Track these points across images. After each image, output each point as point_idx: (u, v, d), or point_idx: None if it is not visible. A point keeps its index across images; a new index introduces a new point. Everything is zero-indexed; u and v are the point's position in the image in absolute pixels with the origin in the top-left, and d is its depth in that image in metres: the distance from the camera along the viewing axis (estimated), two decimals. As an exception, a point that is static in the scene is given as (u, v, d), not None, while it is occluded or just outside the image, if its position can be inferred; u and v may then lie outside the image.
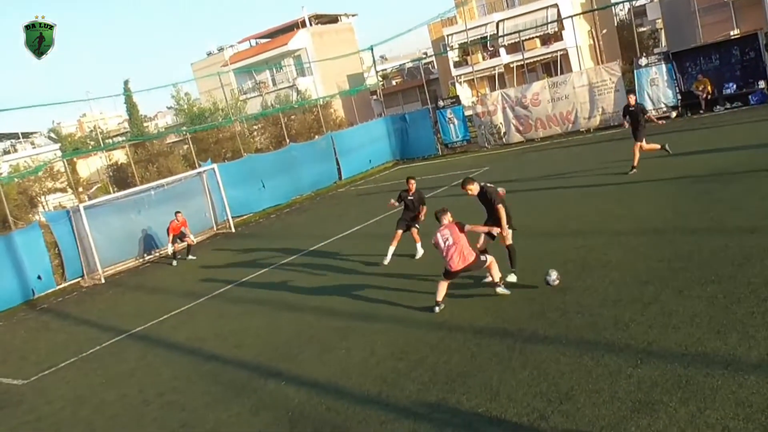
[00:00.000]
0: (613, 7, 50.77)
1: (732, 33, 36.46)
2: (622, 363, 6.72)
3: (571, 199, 15.37)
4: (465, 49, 47.76)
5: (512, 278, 10.01)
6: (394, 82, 60.50)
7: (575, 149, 23.46)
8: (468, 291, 10.29)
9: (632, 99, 17.00)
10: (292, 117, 37.99)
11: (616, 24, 55.84)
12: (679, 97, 25.53)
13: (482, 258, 9.60)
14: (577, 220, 13.19)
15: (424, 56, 57.88)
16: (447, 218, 9.92)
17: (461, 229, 9.58)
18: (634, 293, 8.52)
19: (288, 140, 31.74)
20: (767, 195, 11.47)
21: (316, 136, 32.90)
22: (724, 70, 24.93)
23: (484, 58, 48.69)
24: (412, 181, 13.48)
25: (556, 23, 44.04)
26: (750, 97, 23.91)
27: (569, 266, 10.22)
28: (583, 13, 44.54)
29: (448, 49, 48.01)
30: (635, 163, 16.30)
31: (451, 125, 31.24)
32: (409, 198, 13.41)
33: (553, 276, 9.24)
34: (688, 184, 13.77)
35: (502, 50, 47.83)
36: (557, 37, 46.16)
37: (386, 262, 12.98)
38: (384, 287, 11.56)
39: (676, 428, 5.40)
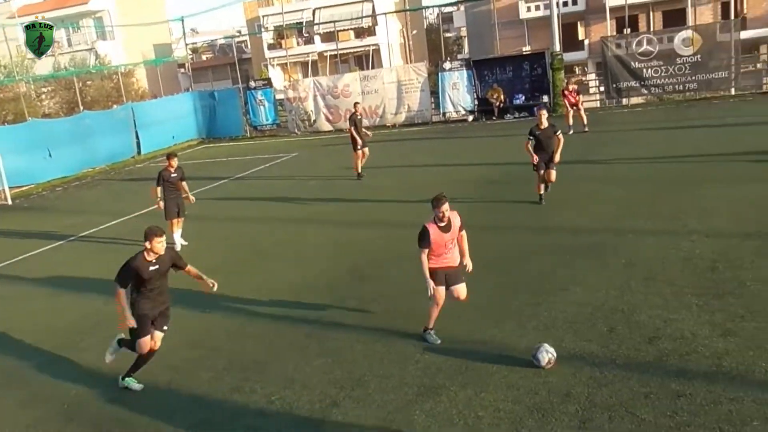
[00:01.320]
0: (423, 10, 53.18)
1: (524, 49, 39.91)
2: (413, 349, 7.12)
3: (378, 191, 15.90)
4: (280, 33, 47.35)
5: None
6: (204, 57, 58.33)
7: (381, 143, 24.23)
8: (270, 278, 10.26)
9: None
10: (89, 82, 35.20)
11: (425, 27, 58.59)
12: (476, 102, 27.45)
13: None
14: (382, 210, 13.69)
15: (237, 34, 56.37)
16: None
17: None
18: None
19: (82, 107, 29.34)
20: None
21: (115, 106, 30.76)
22: (516, 81, 27.22)
23: (298, 44, 48.61)
24: (175, 160, 12.65)
25: (370, 18, 45.16)
26: (535, 108, 26.34)
27: (369, 256, 10.58)
28: (396, 11, 46.10)
29: (262, 29, 47.25)
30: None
31: (261, 107, 30.84)
32: (173, 176, 12.54)
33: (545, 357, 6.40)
34: (483, 183, 14.87)
35: (317, 38, 48.10)
36: (371, 31, 47.40)
37: (178, 247, 12.17)
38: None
39: (455, 410, 5.84)
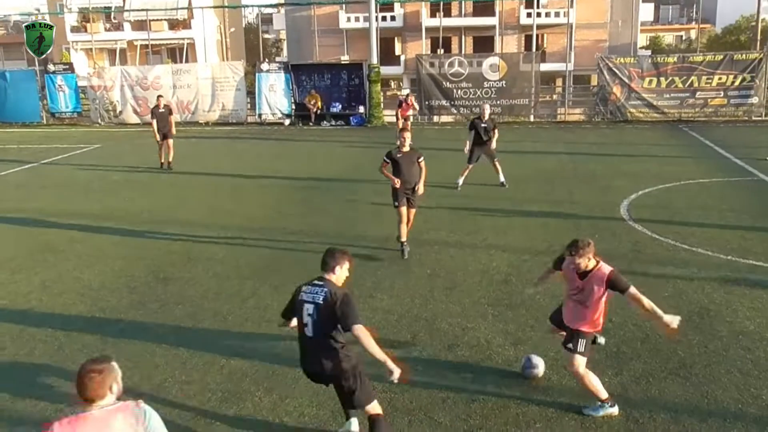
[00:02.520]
0: (242, 9, 52.31)
1: (343, 58, 40.76)
2: (217, 354, 6.94)
3: (184, 189, 15.35)
4: (85, 15, 44.05)
5: None
6: (-5, 33, 52.61)
7: (195, 140, 23.44)
8: (63, 277, 9.50)
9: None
10: None
11: (244, 26, 57.65)
12: (293, 107, 27.54)
13: None
14: (189, 211, 13.23)
15: (36, 12, 51.55)
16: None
17: None
18: (234, 287, 8.87)
19: None
20: (352, 201, 13.09)
21: None
22: (334, 90, 27.74)
23: (106, 29, 45.55)
24: None
25: (186, 10, 43.54)
26: (351, 118, 27.04)
27: (174, 257, 10.18)
28: (214, 6, 44.91)
29: (65, 10, 43.67)
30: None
31: (61, 93, 28.52)
32: None
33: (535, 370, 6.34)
34: (293, 189, 14.92)
35: (127, 25, 45.43)
36: (186, 24, 45.72)
37: None
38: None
39: (260, 416, 5.79)
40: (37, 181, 16.77)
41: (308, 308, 4.96)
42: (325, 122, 27.08)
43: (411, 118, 21.40)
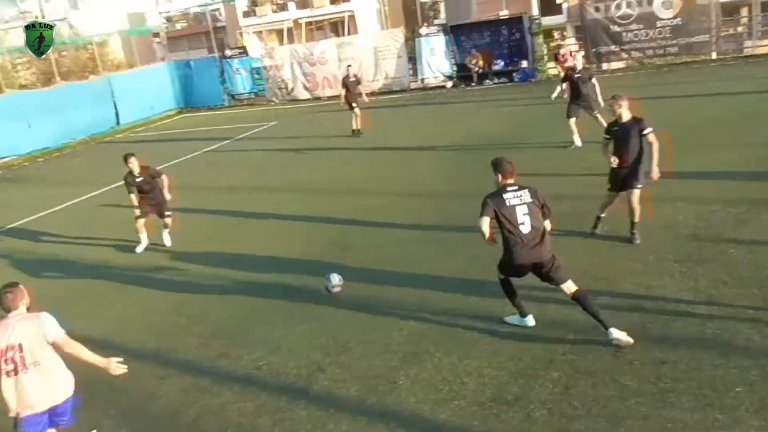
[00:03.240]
0: (400, -25, 52.38)
1: (502, 13, 39.63)
2: (397, 318, 7.23)
3: (358, 159, 15.92)
4: (254, 0, 46.51)
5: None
6: (179, 26, 57.18)
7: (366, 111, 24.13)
8: (252, 247, 10.32)
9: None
10: (64, 53, 34.50)
11: (402, -9, 57.73)
12: (455, 68, 27.36)
13: None
14: (362, 179, 13.74)
15: (211, 2, 55.32)
16: None
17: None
18: (412, 252, 9.12)
19: (59, 78, 28.86)
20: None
21: (91, 76, 30.28)
22: (494, 47, 27.10)
23: (273, 11, 47.84)
24: (133, 160, 10.47)
25: (346, -17, 44.46)
26: (514, 74, 26.36)
27: (349, 225, 10.65)
28: (372, -24, 45.42)
29: (236, -4, 46.39)
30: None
31: (239, 76, 30.52)
32: (138, 180, 10.51)
33: (335, 281, 7.84)
34: (460, 153, 14.94)
35: (292, 5, 47.36)
36: (346, -3, 46.69)
37: (138, 251, 10.82)
38: (164, 243, 11.14)
39: (440, 376, 5.97)
40: (224, 159, 18.22)
41: (521, 209, 6.02)
42: (487, 81, 26.66)
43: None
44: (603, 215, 8.77)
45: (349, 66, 19.85)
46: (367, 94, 18.58)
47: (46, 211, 14.66)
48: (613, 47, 25.59)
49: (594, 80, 13.43)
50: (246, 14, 47.99)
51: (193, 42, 54.03)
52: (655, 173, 8.13)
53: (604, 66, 26.22)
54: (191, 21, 58.29)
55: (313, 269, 8.96)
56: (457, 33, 27.59)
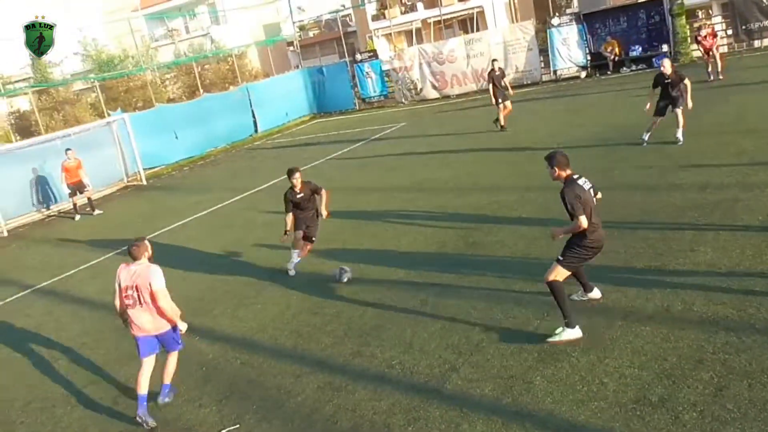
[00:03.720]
0: (529, -34, 51.21)
1: (640, -4, 37.59)
2: (530, 316, 7.01)
3: (485, 157, 15.68)
4: (383, 3, 47.24)
5: None
6: (311, 34, 59.24)
7: (490, 108, 23.78)
8: (383, 246, 10.41)
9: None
10: (206, 67, 36.82)
11: (531, -17, 56.40)
12: (589, 57, 26.29)
13: None
14: (492, 175, 13.51)
15: (342, 8, 56.83)
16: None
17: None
18: (542, 248, 8.81)
19: (202, 90, 30.77)
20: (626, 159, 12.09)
21: (231, 87, 32.02)
22: (631, 32, 25.77)
23: (402, 12, 48.34)
24: (298, 176, 9.74)
25: (473, -21, 44.07)
26: (654, 60, 24.88)
27: (480, 222, 10.48)
28: (500, -30, 44.71)
29: (365, 1, 47.37)
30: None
31: (369, 79, 31.05)
32: (299, 196, 9.81)
33: (345, 275, 9.27)
34: (589, 146, 14.30)
35: (420, 5, 47.59)
36: (474, -7, 46.26)
37: (291, 273, 10.07)
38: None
39: (578, 376, 5.70)
40: (354, 162, 18.58)
41: (592, 193, 6.42)
42: (624, 68, 25.39)
43: (717, 49, 19.34)
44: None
45: (494, 60, 19.74)
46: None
47: (192, 217, 15.61)
48: (766, 22, 23.49)
49: (686, 82, 12.58)
50: (375, 18, 48.83)
51: (325, 48, 55.80)
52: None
53: (756, 43, 24.15)
54: (323, 28, 60.20)
55: (443, 268, 8.90)
56: (592, 20, 26.51)
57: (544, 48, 27.39)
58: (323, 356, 7.15)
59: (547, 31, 26.92)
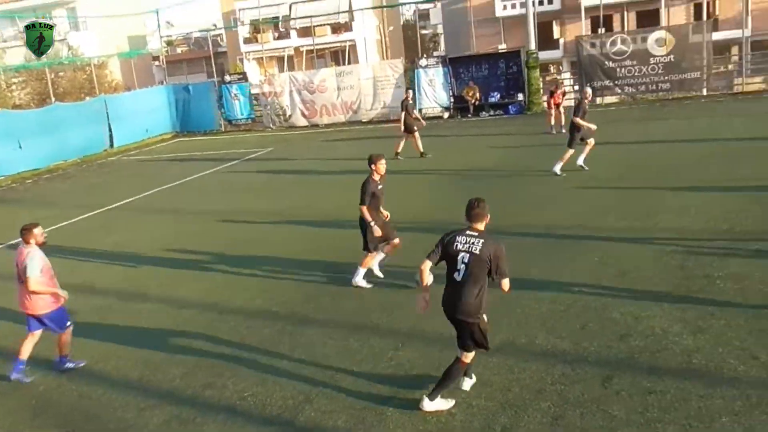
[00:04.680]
0: (400, 7, 53.11)
1: (500, 47, 40.06)
2: (386, 346, 7.10)
3: (350, 187, 15.83)
4: (256, 27, 46.98)
5: None
6: (179, 50, 57.71)
7: (358, 140, 24.17)
8: (241, 273, 10.19)
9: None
10: (61, 74, 34.65)
11: (402, 23, 58.51)
12: (452, 99, 27.52)
13: None
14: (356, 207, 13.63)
15: (213, 27, 55.84)
16: None
17: None
18: (407, 278, 9.00)
19: (54, 98, 28.88)
20: (511, 191, 12.82)
21: (87, 98, 30.32)
22: (491, 79, 27.34)
23: (275, 38, 48.28)
24: (383, 161, 8.86)
25: (347, 13, 44.99)
26: (509, 107, 26.53)
27: (342, 252, 10.51)
28: (373, 7, 46.02)
29: (238, 23, 46.87)
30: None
31: (236, 102, 30.61)
32: (380, 187, 8.88)
33: None
34: (451, 182, 14.91)
35: (293, 33, 47.81)
36: (347, 27, 47.21)
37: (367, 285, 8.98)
38: (155, 265, 11.01)
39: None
40: (217, 185, 18.14)
41: (463, 257, 5.50)
42: (483, 113, 26.80)
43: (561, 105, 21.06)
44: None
45: (408, 89, 20.67)
46: (363, 122, 18.67)
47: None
48: (607, 82, 25.85)
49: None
50: (247, 41, 48.44)
51: (193, 66, 54.44)
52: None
53: (599, 100, 26.42)
54: (192, 45, 58.69)
55: (302, 297, 8.84)
56: (456, 65, 27.83)
57: (410, 87, 28.27)
58: (171, 388, 6.80)
59: (415, 71, 27.91)
